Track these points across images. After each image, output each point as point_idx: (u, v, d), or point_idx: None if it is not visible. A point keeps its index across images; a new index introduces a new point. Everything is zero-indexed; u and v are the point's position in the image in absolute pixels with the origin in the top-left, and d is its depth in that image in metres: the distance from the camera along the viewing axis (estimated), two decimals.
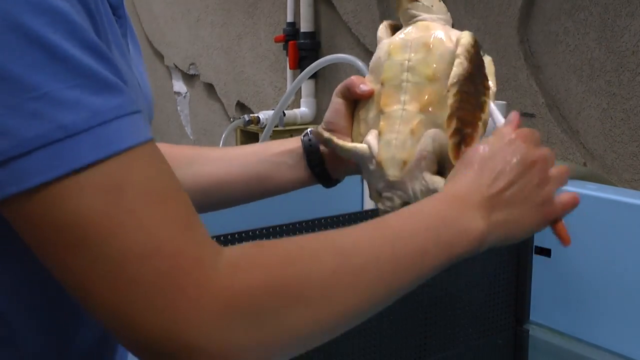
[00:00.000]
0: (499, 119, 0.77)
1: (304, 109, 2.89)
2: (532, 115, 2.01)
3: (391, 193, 0.78)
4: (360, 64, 1.76)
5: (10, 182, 0.47)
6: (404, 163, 0.76)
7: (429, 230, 0.63)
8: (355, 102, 0.84)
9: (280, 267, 0.53)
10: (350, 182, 1.10)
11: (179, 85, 3.75)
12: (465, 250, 0.65)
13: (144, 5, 3.85)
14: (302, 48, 2.83)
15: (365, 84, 0.81)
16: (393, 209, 0.78)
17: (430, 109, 0.77)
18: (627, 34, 1.77)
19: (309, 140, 0.85)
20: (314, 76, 2.76)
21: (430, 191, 0.76)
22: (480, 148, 0.71)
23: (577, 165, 1.77)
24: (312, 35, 2.83)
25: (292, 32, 2.86)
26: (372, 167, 0.79)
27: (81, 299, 0.51)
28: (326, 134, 0.82)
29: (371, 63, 0.84)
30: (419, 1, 0.82)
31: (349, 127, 0.84)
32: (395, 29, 0.86)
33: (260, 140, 2.29)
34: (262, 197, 0.91)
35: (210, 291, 0.50)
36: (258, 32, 3.11)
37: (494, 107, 0.78)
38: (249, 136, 2.91)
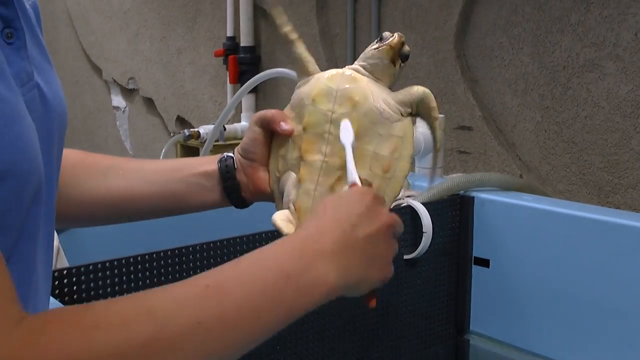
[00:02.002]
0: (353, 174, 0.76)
1: (245, 123, 2.88)
2: (469, 129, 2.05)
3: None
4: None
5: None
6: None
7: (268, 289, 0.58)
8: (273, 132, 0.84)
9: (82, 340, 0.48)
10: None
11: (117, 100, 3.70)
12: (309, 306, 0.62)
13: (81, 18, 3.78)
14: (242, 62, 2.82)
15: (286, 122, 0.81)
16: None
17: None
18: (558, 49, 1.83)
19: (226, 166, 0.85)
20: (255, 90, 2.75)
21: None
22: (353, 194, 0.71)
23: (514, 177, 1.81)
24: (252, 50, 2.83)
25: (232, 46, 2.86)
26: (289, 207, 0.79)
27: None
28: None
29: (293, 98, 0.84)
30: (377, 49, 0.82)
31: (266, 156, 0.84)
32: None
33: (200, 154, 2.27)
34: (173, 215, 0.90)
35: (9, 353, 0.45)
36: (198, 47, 3.09)
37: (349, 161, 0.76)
38: (190, 151, 2.89)
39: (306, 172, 0.79)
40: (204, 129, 2.78)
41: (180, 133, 2.80)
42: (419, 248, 1.28)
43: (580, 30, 1.77)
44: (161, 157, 2.82)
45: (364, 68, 0.82)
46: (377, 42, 0.83)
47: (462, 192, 1.37)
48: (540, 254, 1.27)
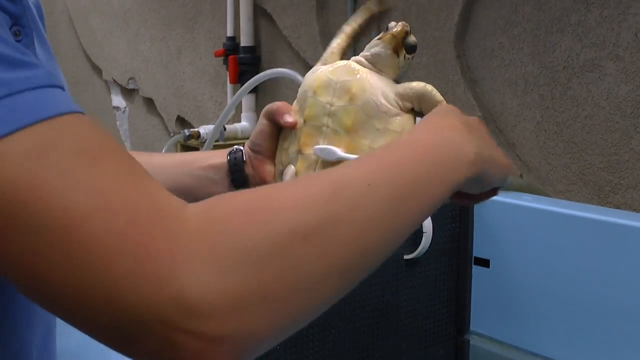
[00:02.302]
0: None
1: (245, 124, 2.88)
2: None
3: None
4: (300, 78, 1.76)
5: None
6: None
7: (419, 156, 0.57)
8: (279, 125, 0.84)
9: (263, 199, 0.47)
10: None
11: (117, 100, 3.70)
12: (460, 175, 0.59)
13: (81, 18, 3.78)
14: (242, 62, 2.82)
15: (290, 115, 0.81)
16: None
17: (345, 160, 0.76)
18: (558, 49, 1.83)
19: (235, 158, 0.85)
20: (255, 90, 2.76)
21: None
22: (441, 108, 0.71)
23: (514, 177, 1.81)
24: (252, 50, 2.83)
25: (232, 46, 2.86)
26: None
27: (29, 290, 0.44)
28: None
29: (300, 90, 0.83)
30: (380, 39, 0.80)
31: (273, 149, 0.84)
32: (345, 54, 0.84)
33: None
34: None
35: (185, 236, 0.43)
36: (198, 47, 3.09)
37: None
38: (190, 151, 2.88)
39: (303, 166, 0.78)
40: (204, 129, 2.78)
41: (180, 133, 2.81)
42: (419, 248, 1.28)
43: (580, 30, 1.77)
44: None
45: (366, 59, 0.80)
46: (382, 33, 0.81)
47: None
48: (540, 254, 1.27)
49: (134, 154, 0.89)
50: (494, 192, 0.71)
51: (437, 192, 0.57)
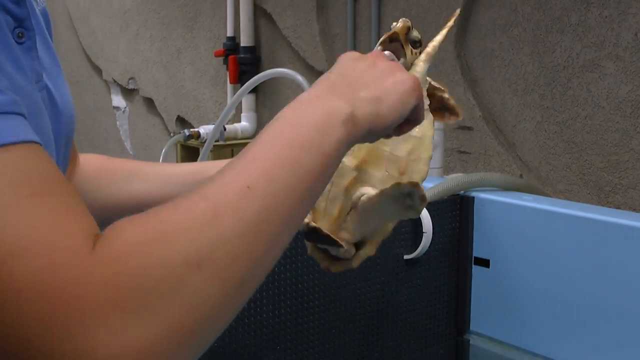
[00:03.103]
0: None
1: (245, 124, 2.88)
2: (469, 129, 2.05)
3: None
4: (300, 78, 1.76)
5: None
6: (335, 216, 0.74)
7: (288, 139, 0.55)
8: None
9: (156, 229, 0.46)
10: None
11: (117, 100, 3.70)
12: (339, 136, 0.57)
13: (82, 19, 3.79)
14: (242, 62, 2.83)
15: None
16: (316, 253, 0.76)
17: (365, 167, 0.75)
18: (558, 49, 1.83)
19: None
20: (255, 90, 2.76)
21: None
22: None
23: (514, 177, 1.81)
24: (252, 50, 2.83)
25: (232, 46, 2.86)
26: None
27: None
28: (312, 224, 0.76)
29: None
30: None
31: None
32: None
33: (200, 155, 2.26)
34: None
35: (93, 282, 0.43)
36: (198, 47, 3.09)
37: None
38: (190, 151, 2.89)
39: None
40: (204, 129, 2.78)
41: (180, 133, 2.81)
42: (419, 248, 1.28)
43: (580, 30, 1.77)
44: (161, 156, 2.82)
45: None
46: (386, 34, 0.79)
47: (462, 192, 1.37)
48: (540, 254, 1.27)
49: (147, 164, 0.90)
50: (408, 124, 0.68)
51: (318, 164, 0.55)
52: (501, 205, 1.33)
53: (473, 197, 1.36)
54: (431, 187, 1.35)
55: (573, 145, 1.83)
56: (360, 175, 0.75)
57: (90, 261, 0.44)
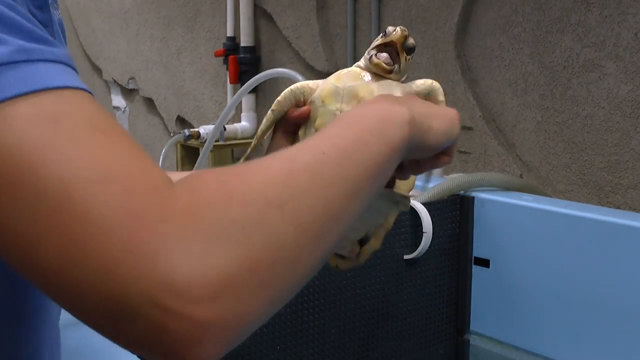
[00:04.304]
0: None
1: (245, 123, 2.88)
2: (469, 129, 2.05)
3: None
4: (300, 78, 1.76)
5: None
6: None
7: (358, 125, 0.59)
8: (293, 137, 0.85)
9: (238, 176, 0.49)
10: None
11: (117, 100, 3.70)
12: (402, 136, 0.61)
13: (82, 18, 3.79)
14: (242, 62, 2.83)
15: (295, 109, 0.83)
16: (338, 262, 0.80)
17: None
18: (558, 49, 1.83)
19: None
20: (255, 90, 2.76)
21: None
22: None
23: (514, 177, 1.81)
24: (252, 50, 2.83)
25: (232, 46, 2.86)
26: None
27: (23, 256, 0.43)
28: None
29: (309, 101, 0.85)
30: (393, 67, 0.80)
31: None
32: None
33: (200, 155, 2.26)
34: None
35: (175, 209, 0.44)
36: (198, 47, 3.09)
37: None
38: (190, 151, 2.89)
39: None
40: (204, 129, 2.78)
41: (180, 133, 2.80)
42: (419, 248, 1.28)
43: (580, 30, 1.77)
44: (161, 157, 2.82)
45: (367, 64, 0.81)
46: (381, 37, 0.81)
47: (462, 192, 1.37)
48: (540, 254, 1.27)
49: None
50: (446, 155, 0.71)
51: (383, 151, 0.59)
52: (501, 205, 1.33)
53: (473, 197, 1.36)
54: (431, 187, 1.35)
55: (573, 145, 1.83)
56: None
57: (171, 191, 0.45)
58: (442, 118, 0.69)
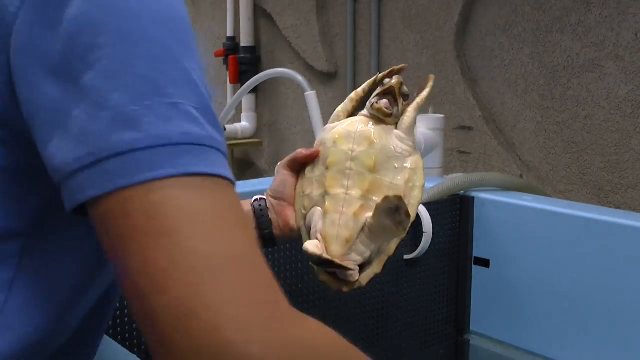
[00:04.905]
0: None
1: (245, 123, 2.88)
2: (469, 129, 2.05)
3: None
4: (299, 78, 1.76)
5: (123, 174, 0.49)
6: (347, 241, 0.86)
7: None
8: (298, 175, 0.95)
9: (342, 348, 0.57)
10: None
11: None
12: None
13: None
14: (242, 62, 2.83)
15: (307, 149, 0.92)
16: (327, 277, 0.88)
17: (370, 195, 0.88)
18: (558, 49, 1.83)
19: (260, 205, 0.94)
20: (255, 90, 2.76)
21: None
22: None
23: (514, 177, 1.81)
24: (252, 50, 2.83)
25: (232, 46, 2.86)
26: (317, 236, 0.88)
27: (145, 294, 0.49)
28: (325, 255, 0.88)
29: (316, 144, 0.94)
30: (392, 111, 0.91)
31: (293, 197, 0.94)
32: (351, 114, 0.96)
33: None
34: None
35: (282, 313, 0.50)
36: (198, 47, 3.09)
37: None
38: None
39: (331, 204, 0.88)
40: None
41: None
42: (419, 248, 1.28)
43: (580, 30, 1.78)
44: None
45: (370, 113, 0.93)
46: (380, 87, 0.93)
47: (462, 192, 1.37)
48: (540, 254, 1.27)
49: None
50: None
51: None
52: (501, 205, 1.33)
53: (473, 197, 1.36)
54: (431, 187, 1.35)
55: (573, 145, 1.83)
56: (366, 202, 0.87)
57: (289, 316, 0.51)
58: None
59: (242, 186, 1.46)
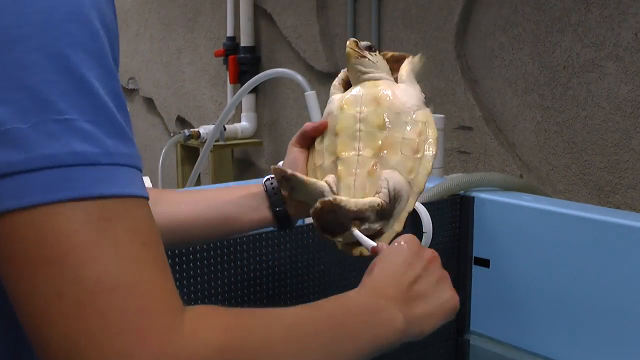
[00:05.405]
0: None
1: (245, 123, 2.88)
2: (469, 129, 2.05)
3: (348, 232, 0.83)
4: (300, 78, 1.76)
5: (9, 196, 0.47)
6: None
7: (357, 321, 0.69)
8: (309, 151, 0.92)
9: (237, 332, 0.55)
10: None
11: None
12: (390, 341, 0.71)
13: None
14: (242, 62, 2.83)
15: (313, 122, 0.90)
16: (347, 246, 0.85)
17: (382, 154, 0.84)
18: (558, 49, 1.83)
19: (272, 183, 0.91)
20: (255, 90, 2.76)
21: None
22: (391, 249, 0.79)
23: (514, 177, 1.81)
24: (252, 50, 2.83)
25: (232, 46, 2.86)
26: None
27: (33, 325, 0.48)
28: (290, 171, 0.86)
29: (324, 114, 0.92)
30: (365, 57, 0.89)
31: (305, 173, 0.90)
32: (347, 83, 0.93)
33: (201, 155, 2.27)
34: (225, 237, 0.96)
35: (173, 341, 0.49)
36: (198, 47, 3.09)
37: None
38: (190, 151, 2.89)
39: (344, 168, 0.85)
40: (204, 129, 2.78)
41: (180, 133, 2.81)
42: None
43: (580, 30, 1.78)
44: (161, 157, 2.83)
45: (368, 74, 0.90)
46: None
47: (462, 192, 1.37)
48: (540, 254, 1.27)
49: (172, 190, 0.93)
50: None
51: (367, 347, 0.68)
52: (501, 205, 1.33)
53: (473, 197, 1.36)
54: (431, 187, 1.35)
55: (573, 145, 1.83)
56: (379, 160, 0.84)
57: (180, 322, 0.50)
58: (437, 316, 0.78)
59: None
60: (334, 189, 0.85)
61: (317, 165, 0.89)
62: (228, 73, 2.87)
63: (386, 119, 0.85)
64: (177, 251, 0.99)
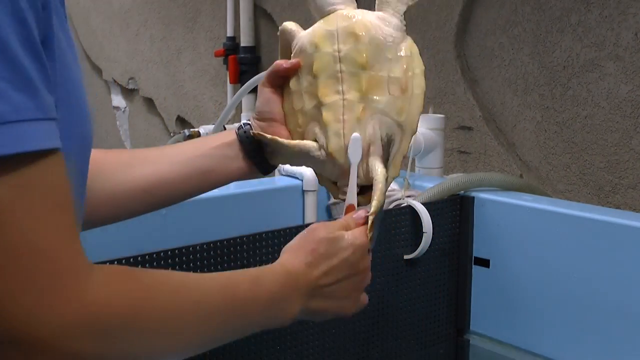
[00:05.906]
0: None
1: None
2: (469, 129, 2.05)
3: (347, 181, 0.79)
4: None
5: None
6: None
7: (260, 306, 0.71)
8: (282, 90, 0.85)
9: (144, 295, 0.58)
10: (291, 196, 1.09)
11: (117, 100, 3.70)
12: (277, 324, 0.74)
13: (82, 18, 3.78)
14: (242, 62, 2.82)
15: (286, 61, 0.84)
16: (334, 187, 0.82)
17: (369, 95, 0.79)
18: (558, 49, 1.83)
19: (244, 132, 0.86)
20: (255, 90, 2.75)
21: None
22: (326, 233, 0.77)
23: (514, 177, 1.81)
24: (252, 50, 2.83)
25: (232, 46, 2.86)
26: (322, 159, 0.80)
27: None
28: (269, 136, 0.82)
29: (294, 50, 0.84)
30: None
31: (282, 114, 0.85)
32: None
33: None
34: (206, 191, 0.91)
35: (78, 300, 0.52)
36: (198, 47, 3.09)
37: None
38: None
39: (329, 114, 0.79)
40: (204, 129, 2.78)
41: (180, 133, 2.80)
42: (419, 248, 1.28)
43: (580, 30, 1.77)
44: None
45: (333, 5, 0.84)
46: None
47: (462, 192, 1.37)
48: (540, 254, 1.27)
49: (146, 149, 0.91)
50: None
51: (257, 327, 0.73)
52: (501, 205, 1.33)
53: (473, 197, 1.36)
54: (431, 187, 1.35)
55: (573, 145, 1.83)
56: (368, 103, 0.79)
57: (85, 282, 0.53)
58: (329, 314, 0.78)
59: (242, 186, 1.46)
60: (323, 143, 0.80)
61: (297, 109, 0.82)
62: (228, 73, 2.87)
63: (368, 57, 0.79)
64: (177, 251, 0.99)
